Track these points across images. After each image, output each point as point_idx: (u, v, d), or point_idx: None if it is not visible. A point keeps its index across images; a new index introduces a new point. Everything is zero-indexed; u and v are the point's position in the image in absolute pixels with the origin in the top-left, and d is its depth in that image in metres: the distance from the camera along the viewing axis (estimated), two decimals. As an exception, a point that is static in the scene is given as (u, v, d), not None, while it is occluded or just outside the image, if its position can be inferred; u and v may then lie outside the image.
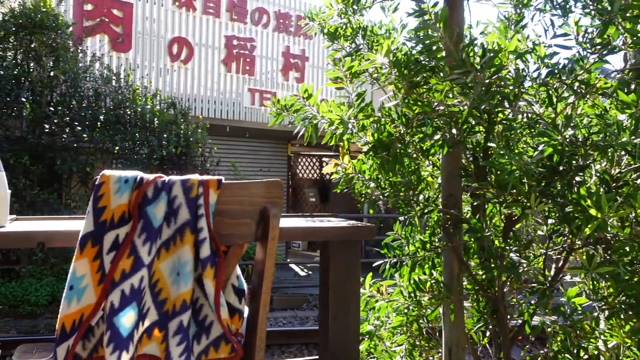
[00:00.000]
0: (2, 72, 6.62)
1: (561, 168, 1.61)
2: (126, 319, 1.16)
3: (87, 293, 1.20)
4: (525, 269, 1.89)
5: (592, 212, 1.37)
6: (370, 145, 1.70)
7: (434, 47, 1.55)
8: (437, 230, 2.00)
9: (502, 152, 1.40)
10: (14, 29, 6.84)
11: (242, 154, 10.37)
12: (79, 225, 1.24)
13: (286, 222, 1.69)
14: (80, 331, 1.19)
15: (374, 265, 1.94)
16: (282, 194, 1.41)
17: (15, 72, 6.73)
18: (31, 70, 6.97)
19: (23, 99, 6.67)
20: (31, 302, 6.45)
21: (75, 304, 1.20)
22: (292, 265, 10.18)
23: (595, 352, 1.70)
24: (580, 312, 1.62)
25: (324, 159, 12.79)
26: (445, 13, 1.49)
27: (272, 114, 2.12)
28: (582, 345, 1.66)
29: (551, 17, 1.96)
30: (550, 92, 1.88)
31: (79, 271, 1.21)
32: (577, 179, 1.82)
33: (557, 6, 1.96)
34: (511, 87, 1.59)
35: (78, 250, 1.22)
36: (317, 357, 1.80)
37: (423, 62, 1.69)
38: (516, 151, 1.43)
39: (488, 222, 1.73)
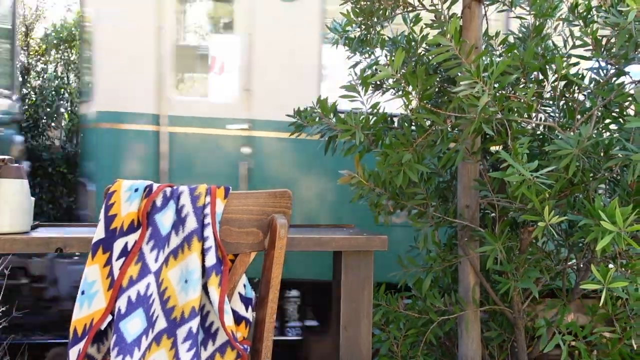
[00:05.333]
0: (43, 84, 6.94)
1: (577, 180, 1.57)
2: (132, 324, 1.19)
3: (98, 298, 1.24)
4: (543, 284, 1.85)
5: (606, 225, 1.34)
6: (383, 156, 1.70)
7: (446, 59, 1.55)
8: (453, 241, 1.98)
9: (512, 163, 1.39)
10: (55, 42, 7.17)
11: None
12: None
13: (296, 232, 1.70)
14: (90, 335, 1.22)
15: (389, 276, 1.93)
16: (290, 204, 1.42)
17: (55, 84, 7.04)
18: (70, 82, 7.28)
19: (62, 110, 6.96)
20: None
21: (87, 309, 1.24)
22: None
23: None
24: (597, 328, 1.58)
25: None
26: (456, 25, 1.49)
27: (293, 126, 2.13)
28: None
29: (571, 27, 1.93)
30: (570, 103, 1.85)
31: (90, 277, 1.25)
32: (600, 191, 1.78)
33: (579, 17, 1.93)
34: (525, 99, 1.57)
35: (90, 257, 1.26)
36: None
37: (435, 74, 1.69)
38: (526, 162, 1.41)
39: (504, 234, 1.71)
